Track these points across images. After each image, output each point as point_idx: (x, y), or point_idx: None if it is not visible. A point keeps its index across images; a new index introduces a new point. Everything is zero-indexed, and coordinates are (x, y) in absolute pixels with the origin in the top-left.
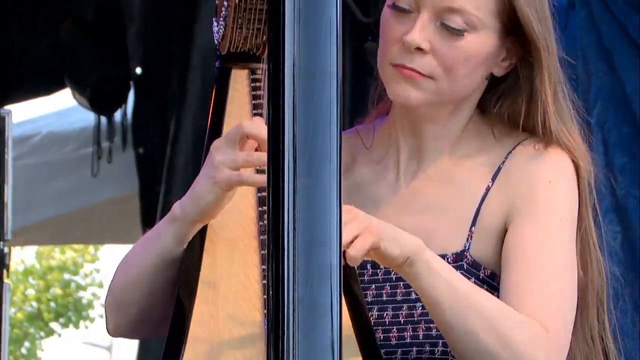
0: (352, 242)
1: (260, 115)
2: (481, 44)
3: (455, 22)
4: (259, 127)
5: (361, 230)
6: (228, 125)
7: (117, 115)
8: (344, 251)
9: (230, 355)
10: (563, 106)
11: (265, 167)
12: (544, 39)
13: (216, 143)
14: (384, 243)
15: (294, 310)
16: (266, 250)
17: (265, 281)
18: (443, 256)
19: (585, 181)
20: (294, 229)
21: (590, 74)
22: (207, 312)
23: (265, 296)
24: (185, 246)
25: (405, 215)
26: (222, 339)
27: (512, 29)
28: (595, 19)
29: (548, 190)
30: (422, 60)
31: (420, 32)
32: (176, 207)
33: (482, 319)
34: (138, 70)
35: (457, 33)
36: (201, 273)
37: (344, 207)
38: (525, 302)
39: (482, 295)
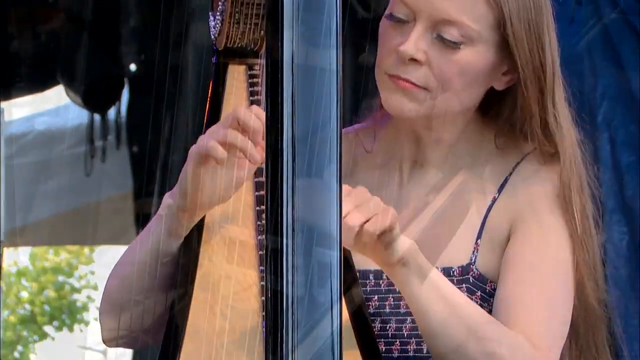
0: (368, 221)
1: None
2: (478, 58)
3: (452, 34)
4: (250, 116)
5: (380, 211)
6: None
7: (111, 113)
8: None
9: (228, 356)
10: (561, 124)
11: (248, 155)
12: (534, 59)
13: (211, 128)
14: (396, 230)
15: (293, 310)
16: (264, 251)
17: (263, 282)
18: (449, 269)
19: (570, 194)
20: (293, 228)
21: (596, 71)
22: (204, 313)
23: (264, 297)
24: (178, 239)
25: (408, 225)
26: (220, 340)
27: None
28: (601, 14)
29: (550, 207)
30: (417, 72)
31: (415, 43)
32: (167, 196)
33: (469, 331)
34: (132, 68)
35: (453, 46)
36: (198, 274)
37: (361, 188)
38: (517, 318)
39: (472, 307)
